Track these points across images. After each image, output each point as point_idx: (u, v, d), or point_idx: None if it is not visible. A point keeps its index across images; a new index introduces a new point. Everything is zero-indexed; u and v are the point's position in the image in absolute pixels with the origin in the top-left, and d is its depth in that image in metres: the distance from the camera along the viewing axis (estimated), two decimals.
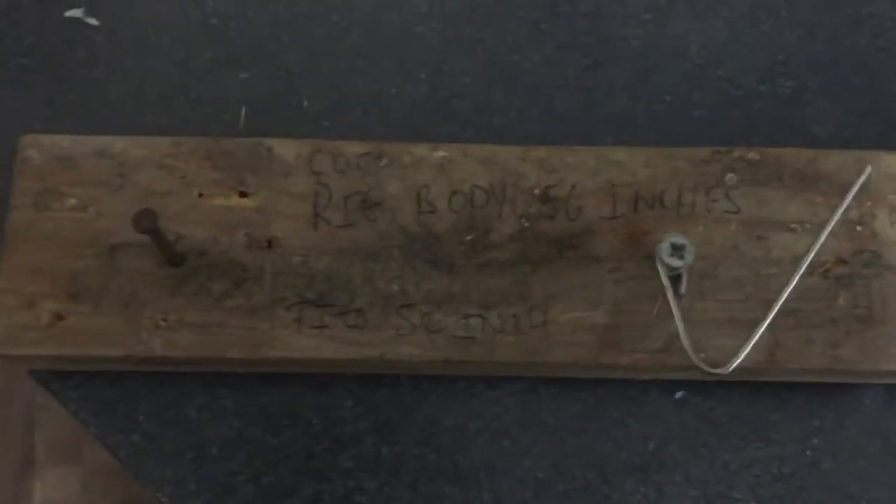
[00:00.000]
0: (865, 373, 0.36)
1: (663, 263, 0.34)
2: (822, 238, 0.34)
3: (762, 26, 0.45)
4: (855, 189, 0.35)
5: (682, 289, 0.36)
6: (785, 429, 0.39)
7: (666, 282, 0.34)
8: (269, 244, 0.36)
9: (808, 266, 0.36)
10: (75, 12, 0.44)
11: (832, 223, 0.34)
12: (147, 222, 0.32)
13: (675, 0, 0.45)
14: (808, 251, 0.34)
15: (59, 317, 0.35)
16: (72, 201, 0.37)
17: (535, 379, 0.39)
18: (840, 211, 0.34)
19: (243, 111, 0.42)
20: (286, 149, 0.38)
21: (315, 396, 0.38)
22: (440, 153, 0.38)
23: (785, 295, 0.33)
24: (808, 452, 0.39)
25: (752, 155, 0.38)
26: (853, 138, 0.43)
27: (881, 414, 0.39)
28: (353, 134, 0.41)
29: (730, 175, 0.38)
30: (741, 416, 0.39)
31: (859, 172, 0.37)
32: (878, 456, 0.39)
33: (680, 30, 0.45)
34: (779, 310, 0.36)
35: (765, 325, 0.33)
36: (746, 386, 0.39)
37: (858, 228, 0.37)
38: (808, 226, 0.37)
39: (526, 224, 0.37)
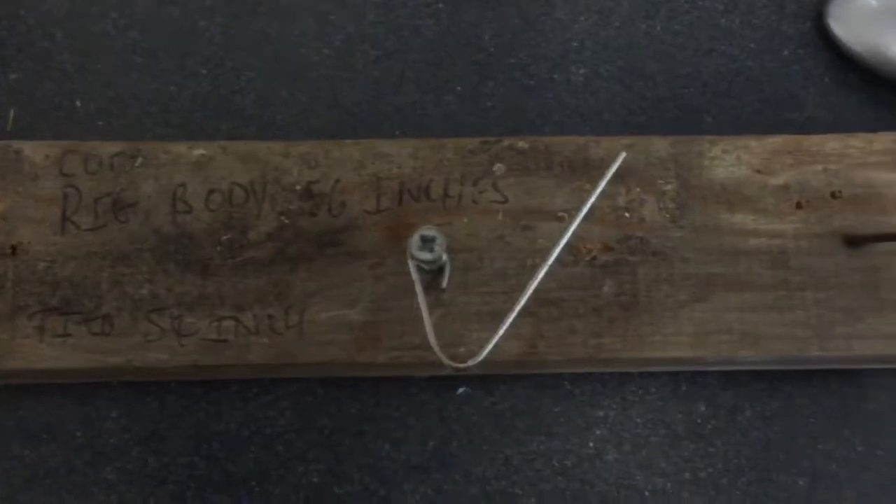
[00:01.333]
0: (628, 361, 0.35)
1: (413, 257, 0.33)
2: (573, 227, 0.33)
3: (556, 13, 0.44)
4: (608, 176, 0.34)
5: (445, 282, 0.35)
6: (568, 421, 0.38)
7: (416, 275, 0.33)
8: (14, 250, 0.35)
9: (573, 255, 0.36)
10: None
11: (584, 211, 0.33)
12: None
13: None
14: (558, 240, 0.33)
15: None
16: None
17: (314, 380, 0.38)
18: (592, 199, 0.33)
19: (11, 113, 0.40)
20: (35, 151, 0.36)
21: (79, 408, 0.37)
22: (199, 151, 0.36)
23: (533, 286, 0.32)
24: (591, 444, 0.38)
25: (521, 144, 0.37)
26: (648, 124, 0.42)
27: (666, 403, 0.39)
28: (130, 135, 0.39)
29: (498, 165, 0.37)
30: (524, 410, 0.38)
31: (626, 160, 0.36)
32: (661, 445, 0.38)
33: (472, 18, 0.44)
34: (543, 300, 0.35)
35: (511, 318, 0.32)
36: (530, 379, 0.39)
37: (626, 215, 0.36)
38: (577, 215, 0.36)
39: (286, 221, 0.36)
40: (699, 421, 0.39)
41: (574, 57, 0.43)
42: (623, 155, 0.34)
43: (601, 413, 0.38)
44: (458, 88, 0.42)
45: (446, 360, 0.32)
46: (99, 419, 0.37)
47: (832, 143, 0.37)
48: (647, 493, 0.38)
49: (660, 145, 0.37)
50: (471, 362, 0.32)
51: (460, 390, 0.38)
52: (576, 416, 0.38)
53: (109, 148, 0.36)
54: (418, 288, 0.33)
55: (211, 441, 0.37)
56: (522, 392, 0.38)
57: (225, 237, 0.35)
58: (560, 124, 0.42)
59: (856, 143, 0.37)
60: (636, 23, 0.44)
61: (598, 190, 0.34)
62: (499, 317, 0.34)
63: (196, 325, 0.34)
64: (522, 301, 0.33)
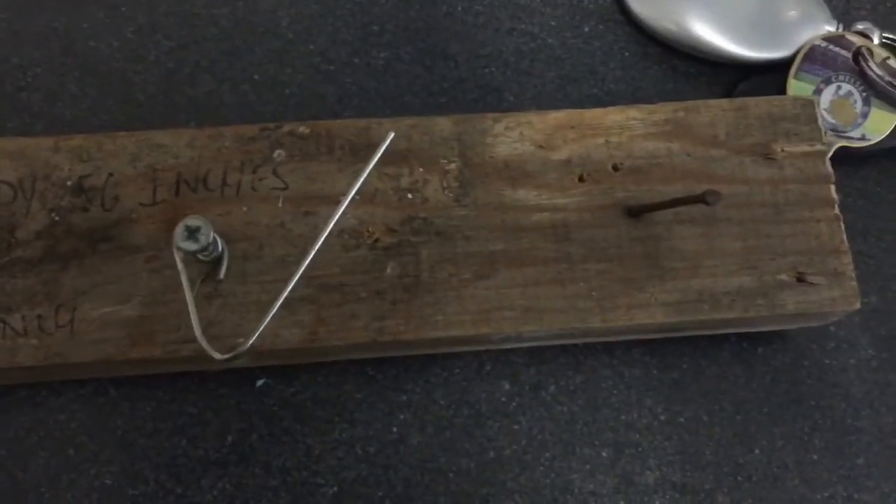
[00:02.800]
0: (412, 343, 0.35)
1: (178, 248, 0.32)
2: (341, 209, 0.33)
3: None
4: (377, 156, 0.33)
5: (222, 273, 0.35)
6: (371, 407, 0.38)
7: (181, 266, 0.32)
8: None
9: (356, 239, 0.35)
10: None
11: (353, 191, 0.33)
12: None
13: None
14: (327, 222, 0.32)
15: None
16: None
17: (106, 381, 0.37)
18: (360, 179, 0.33)
19: None
20: None
21: None
22: None
23: (301, 270, 0.32)
24: (394, 429, 0.38)
25: (302, 129, 0.37)
26: (449, 104, 0.42)
27: (470, 383, 0.39)
28: None
29: (278, 151, 0.36)
30: (326, 398, 0.38)
31: (405, 140, 0.36)
32: (465, 426, 0.38)
33: (270, 5, 0.43)
34: (325, 286, 0.35)
35: (279, 303, 0.32)
36: (332, 367, 0.38)
37: (409, 196, 0.36)
38: (357, 198, 0.36)
39: (56, 218, 0.35)
40: (503, 399, 0.39)
41: (374, 41, 0.43)
42: (391, 135, 0.34)
43: (404, 397, 0.38)
44: (256, 77, 0.42)
45: (211, 351, 0.32)
46: None
47: (613, 115, 0.38)
48: (451, 475, 0.37)
49: (443, 125, 0.37)
50: (236, 352, 0.32)
51: (260, 382, 0.38)
52: (378, 401, 0.38)
53: None
54: (183, 278, 0.33)
55: None
56: (324, 380, 0.38)
57: None
58: (361, 109, 0.42)
59: (636, 115, 0.38)
60: (437, 4, 0.44)
61: (367, 170, 0.33)
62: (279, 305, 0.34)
63: None
64: (290, 285, 0.32)
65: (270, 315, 0.32)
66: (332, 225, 0.32)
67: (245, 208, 0.35)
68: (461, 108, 0.41)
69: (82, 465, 0.36)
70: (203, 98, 0.41)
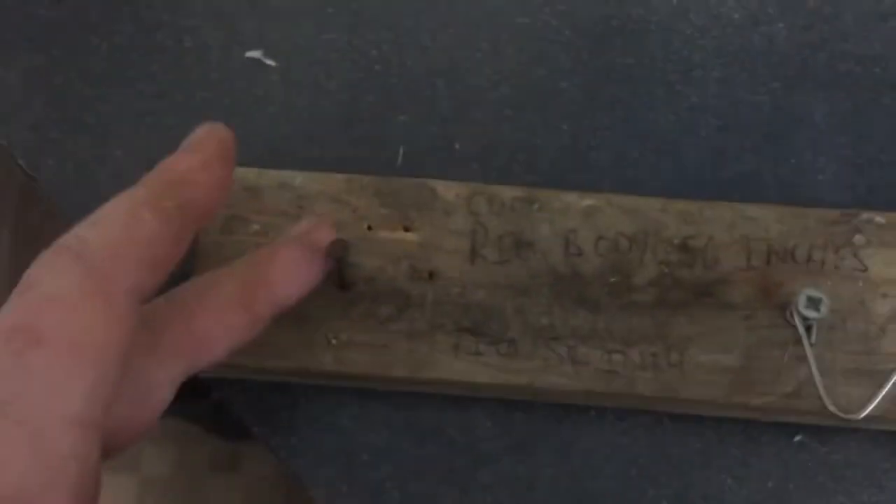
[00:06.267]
0: None
1: (799, 313, 0.37)
2: None
3: (884, 99, 0.48)
4: None
5: (813, 338, 0.39)
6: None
7: (803, 331, 0.37)
8: (431, 276, 0.40)
9: None
10: (255, 53, 0.48)
11: None
12: (339, 250, 0.36)
13: None
14: None
15: None
16: (255, 227, 0.41)
17: (662, 414, 0.42)
18: None
19: (401, 151, 0.46)
20: (447, 190, 0.42)
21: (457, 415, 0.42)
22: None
23: None
24: None
25: (879, 219, 0.41)
26: None
27: None
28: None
29: (858, 236, 0.41)
30: (857, 462, 0.42)
31: None
32: None
33: (804, 96, 0.48)
34: None
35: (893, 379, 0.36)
36: (855, 434, 0.42)
37: None
38: None
39: (666, 270, 0.40)
40: None
41: None
42: None
43: None
44: (792, 161, 0.47)
45: (836, 411, 0.36)
46: (475, 428, 0.42)
47: None
48: None
49: None
50: (860, 414, 0.36)
51: (797, 437, 0.42)
52: None
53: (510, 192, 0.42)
54: (805, 342, 0.37)
55: (572, 458, 0.42)
56: (856, 445, 0.42)
57: (612, 280, 0.40)
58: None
59: None
60: None
61: None
62: (863, 374, 0.38)
63: (589, 356, 0.39)
64: None
65: (888, 388, 0.36)
66: None
67: (829, 283, 0.40)
68: None
69: (643, 485, 0.41)
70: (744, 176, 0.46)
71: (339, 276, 0.39)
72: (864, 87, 0.48)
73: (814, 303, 0.37)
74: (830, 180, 0.46)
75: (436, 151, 0.47)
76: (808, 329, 0.39)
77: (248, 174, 0.42)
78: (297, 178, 0.42)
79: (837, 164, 0.46)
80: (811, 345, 0.39)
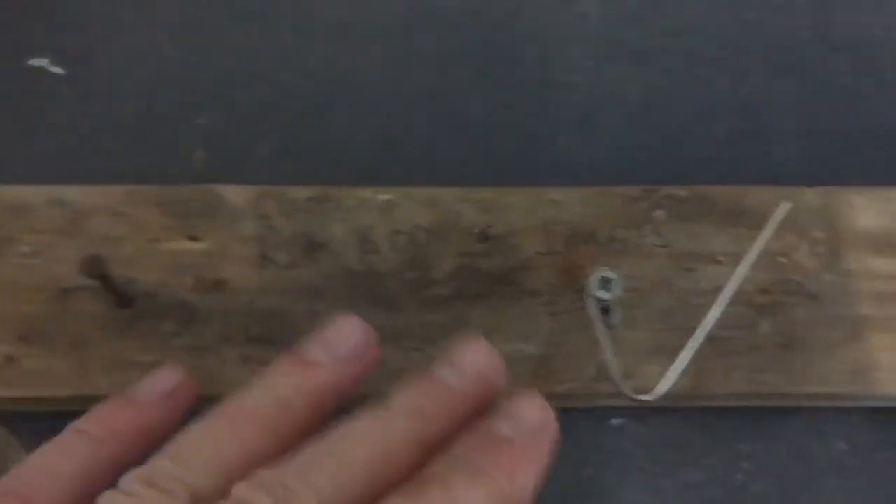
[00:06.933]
0: (790, 395, 0.37)
1: (592, 296, 0.36)
2: (744, 271, 0.36)
3: (698, 70, 0.47)
4: (773, 224, 0.37)
5: (615, 320, 0.38)
6: (714, 453, 0.40)
7: (595, 313, 0.36)
8: (218, 286, 0.38)
9: (734, 297, 0.38)
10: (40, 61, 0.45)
11: (752, 257, 0.36)
12: (94, 267, 0.34)
13: None
14: (724, 283, 0.36)
15: (10, 359, 0.36)
16: (25, 248, 0.38)
17: None
18: (759, 246, 0.36)
19: (198, 154, 0.44)
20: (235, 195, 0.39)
21: None
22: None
23: (709, 326, 0.35)
24: (737, 476, 0.40)
25: (681, 192, 0.40)
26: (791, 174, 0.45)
27: (806, 440, 0.41)
28: None
29: (658, 211, 0.40)
30: (674, 443, 0.41)
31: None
32: (801, 480, 0.40)
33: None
34: (706, 338, 0.38)
35: (688, 356, 0.35)
36: (674, 413, 0.41)
37: (781, 259, 0.39)
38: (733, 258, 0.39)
39: (465, 261, 0.39)
40: (839, 458, 0.41)
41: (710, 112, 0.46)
42: (789, 206, 0.37)
43: (745, 447, 0.41)
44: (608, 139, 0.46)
45: (630, 393, 0.35)
46: None
47: None
48: None
49: (811, 196, 0.40)
50: (654, 395, 0.35)
51: (616, 421, 0.41)
52: (722, 449, 0.41)
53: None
54: (598, 325, 0.36)
55: None
56: (672, 424, 0.41)
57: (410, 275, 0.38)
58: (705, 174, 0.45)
59: None
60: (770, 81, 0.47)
61: (767, 236, 0.37)
62: (664, 352, 0.37)
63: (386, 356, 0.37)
64: (701, 339, 0.35)
65: (683, 366, 0.35)
66: (735, 286, 0.36)
67: (631, 262, 0.39)
68: (805, 181, 0.43)
69: None
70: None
71: (114, 295, 0.37)
72: (677, 61, 0.48)
73: (607, 283, 0.36)
74: (642, 157, 0.45)
75: (236, 154, 0.44)
76: (607, 310, 0.38)
77: (16, 191, 0.39)
78: (72, 192, 0.39)
79: (650, 139, 0.46)
80: (610, 326, 0.38)
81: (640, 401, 0.35)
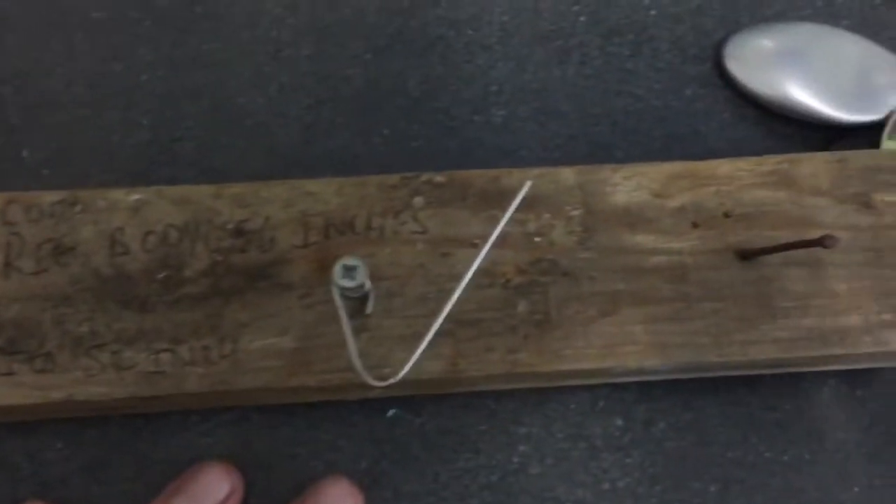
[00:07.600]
0: (543, 374, 0.38)
1: (336, 285, 0.35)
2: (484, 251, 0.36)
3: (477, 60, 0.48)
4: (515, 203, 0.37)
5: (370, 308, 0.38)
6: (492, 438, 0.40)
7: (339, 302, 0.36)
8: None
9: (489, 278, 0.38)
10: None
11: (494, 236, 0.36)
12: None
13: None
14: (470, 265, 0.36)
15: None
16: None
17: (249, 408, 0.40)
18: (501, 224, 0.36)
19: None
20: None
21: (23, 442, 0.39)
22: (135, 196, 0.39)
23: (448, 308, 0.35)
24: (515, 459, 0.40)
25: (438, 178, 0.40)
26: (562, 158, 0.45)
27: (584, 418, 0.41)
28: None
29: (417, 198, 0.40)
30: (450, 429, 0.41)
31: (532, 188, 0.39)
32: (581, 458, 0.40)
33: (397, 67, 0.47)
34: (462, 321, 0.38)
35: (429, 337, 0.35)
36: (454, 399, 0.41)
37: (537, 240, 0.39)
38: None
39: (219, 259, 0.38)
40: (617, 434, 0.41)
41: (493, 100, 0.47)
42: (529, 183, 0.37)
43: (524, 430, 0.41)
44: (385, 131, 0.46)
45: (370, 380, 0.34)
46: (42, 451, 0.39)
47: (723, 167, 0.41)
48: None
49: (567, 175, 0.40)
50: (391, 381, 0.34)
51: (390, 412, 0.41)
52: (500, 433, 0.41)
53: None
54: (342, 314, 0.36)
55: (153, 468, 0.39)
56: (448, 412, 0.41)
57: (161, 275, 0.38)
58: (482, 161, 0.45)
59: (744, 167, 0.41)
60: (550, 68, 0.48)
61: (508, 216, 0.37)
62: (420, 338, 0.37)
63: (135, 359, 0.36)
64: (439, 322, 0.35)
65: (422, 348, 0.35)
66: (476, 266, 0.36)
67: (388, 250, 0.39)
68: (574, 163, 0.44)
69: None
70: (338, 150, 0.45)
71: None
72: (456, 51, 0.48)
73: (350, 271, 0.35)
74: (424, 147, 0.45)
75: (1, 162, 0.43)
76: (365, 298, 0.38)
77: None
78: None
79: (432, 130, 0.46)
80: (368, 315, 0.37)
81: (379, 387, 0.34)
